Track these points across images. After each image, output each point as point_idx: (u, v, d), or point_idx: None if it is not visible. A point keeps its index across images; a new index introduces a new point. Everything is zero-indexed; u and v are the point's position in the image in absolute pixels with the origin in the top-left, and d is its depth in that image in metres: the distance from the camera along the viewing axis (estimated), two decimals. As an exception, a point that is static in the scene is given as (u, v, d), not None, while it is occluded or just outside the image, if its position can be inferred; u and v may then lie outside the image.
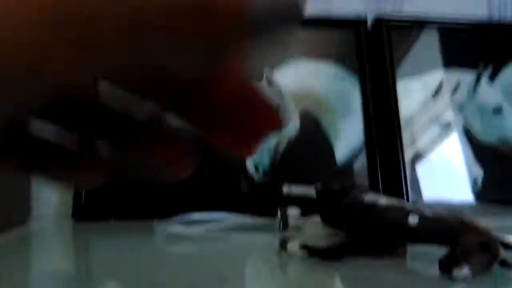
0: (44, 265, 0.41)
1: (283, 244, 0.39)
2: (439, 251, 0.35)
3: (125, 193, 0.61)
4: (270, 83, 0.67)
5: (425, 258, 0.40)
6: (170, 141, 0.15)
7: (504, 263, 0.34)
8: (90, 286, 0.35)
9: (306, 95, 0.68)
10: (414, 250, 0.42)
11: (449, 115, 0.70)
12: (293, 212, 0.45)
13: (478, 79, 0.72)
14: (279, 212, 0.48)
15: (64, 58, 0.12)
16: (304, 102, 0.68)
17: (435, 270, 0.33)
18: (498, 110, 0.72)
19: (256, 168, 0.64)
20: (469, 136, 0.70)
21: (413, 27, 0.73)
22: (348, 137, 0.67)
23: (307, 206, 0.47)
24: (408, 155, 0.67)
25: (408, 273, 0.37)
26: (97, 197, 0.60)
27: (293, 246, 0.39)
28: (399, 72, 0.71)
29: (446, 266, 0.32)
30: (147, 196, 0.61)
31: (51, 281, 0.37)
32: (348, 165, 0.66)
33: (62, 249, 0.48)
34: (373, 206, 0.39)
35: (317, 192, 0.53)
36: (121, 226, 0.55)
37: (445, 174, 0.68)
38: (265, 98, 0.15)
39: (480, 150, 0.69)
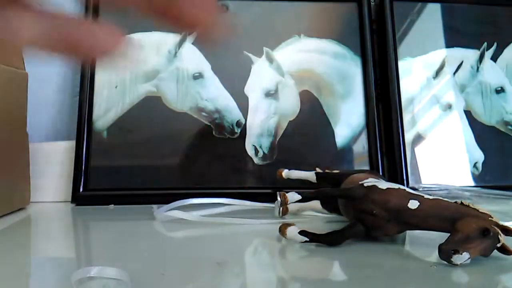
0: (44, 248, 0.41)
1: (282, 229, 0.39)
2: (439, 236, 0.35)
3: (124, 178, 0.61)
4: (271, 60, 0.66)
5: (424, 243, 0.40)
6: None
7: (503, 249, 0.33)
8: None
9: (307, 76, 0.67)
10: (414, 235, 0.42)
11: (450, 96, 0.70)
12: (292, 197, 0.45)
13: (481, 58, 0.71)
14: (278, 197, 0.47)
15: None
16: (305, 83, 0.67)
17: (435, 255, 0.33)
18: (500, 90, 0.71)
19: (256, 149, 0.64)
20: (470, 118, 0.69)
21: (416, 3, 0.71)
22: (348, 119, 0.66)
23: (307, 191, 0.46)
24: (408, 137, 0.67)
25: (408, 258, 0.37)
26: (96, 183, 0.60)
27: (293, 231, 0.39)
28: (401, 52, 0.69)
29: (446, 252, 0.32)
30: (145, 181, 0.61)
31: (50, 264, 0.37)
32: (348, 148, 0.66)
33: (62, 234, 0.48)
34: (373, 190, 0.39)
35: (317, 176, 0.53)
36: (120, 211, 0.55)
37: (445, 158, 0.67)
38: None
39: (481, 132, 0.69)
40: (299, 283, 0.32)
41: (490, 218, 0.34)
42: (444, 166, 0.67)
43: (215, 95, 0.64)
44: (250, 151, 0.64)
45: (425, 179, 0.65)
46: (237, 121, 0.64)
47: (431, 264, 0.33)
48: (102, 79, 0.64)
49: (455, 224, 0.33)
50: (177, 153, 0.63)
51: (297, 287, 0.31)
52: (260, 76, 0.66)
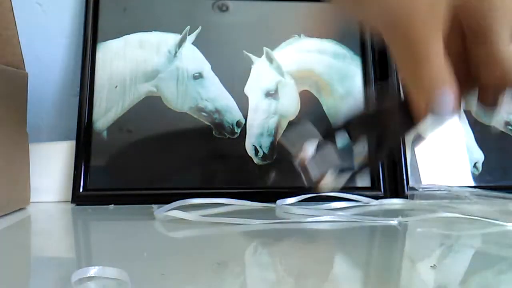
0: (44, 248, 0.41)
1: (315, 186, 0.38)
2: (439, 236, 0.35)
3: (124, 178, 0.61)
4: (271, 60, 0.67)
5: (425, 243, 0.40)
6: None
7: None
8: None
9: (307, 76, 0.67)
10: (414, 235, 0.42)
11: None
12: (310, 147, 0.43)
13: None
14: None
15: None
16: (305, 83, 0.67)
17: (435, 255, 0.33)
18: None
19: (256, 149, 0.64)
20: (470, 118, 0.69)
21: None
22: (348, 119, 0.66)
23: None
24: (408, 137, 0.67)
25: (408, 258, 0.37)
26: (96, 183, 0.60)
27: (326, 182, 0.38)
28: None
29: None
30: (145, 181, 0.61)
31: (50, 264, 0.37)
32: (348, 148, 0.66)
33: (62, 234, 0.48)
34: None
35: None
36: (120, 211, 0.55)
37: (445, 158, 0.67)
38: None
39: (481, 132, 0.69)
40: (299, 283, 0.32)
41: None
42: (444, 166, 0.67)
43: (215, 95, 0.64)
44: (250, 151, 0.64)
45: (425, 179, 0.65)
46: (237, 121, 0.64)
47: (431, 264, 0.34)
48: (102, 79, 0.64)
49: None
50: (177, 153, 0.63)
51: (298, 286, 0.31)
52: (260, 76, 0.66)
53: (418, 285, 0.31)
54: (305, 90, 0.67)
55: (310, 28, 0.69)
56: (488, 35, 0.28)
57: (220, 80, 0.65)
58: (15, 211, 0.55)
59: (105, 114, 0.63)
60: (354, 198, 0.60)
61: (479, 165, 0.68)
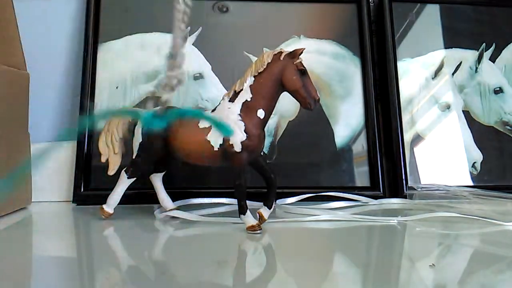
0: (45, 247, 0.42)
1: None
2: (440, 236, 0.35)
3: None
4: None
5: (424, 242, 0.40)
6: None
7: None
8: (90, 269, 0.35)
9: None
10: (413, 234, 0.42)
11: (449, 96, 0.70)
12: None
13: (479, 59, 0.71)
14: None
15: None
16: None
17: (434, 254, 0.33)
18: (499, 91, 0.71)
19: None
20: (469, 118, 0.69)
21: (415, 3, 0.72)
22: (348, 119, 0.67)
23: None
24: (407, 137, 0.67)
25: (406, 257, 0.37)
26: (96, 183, 0.60)
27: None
28: (400, 52, 0.70)
29: None
30: (146, 181, 0.61)
31: (51, 263, 0.37)
32: (348, 148, 0.66)
33: (63, 233, 0.48)
34: None
35: None
36: (121, 211, 0.55)
37: (444, 158, 0.67)
38: None
39: (480, 132, 0.69)
40: (299, 282, 0.32)
41: None
42: (443, 166, 0.67)
43: (215, 95, 0.65)
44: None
45: (424, 179, 0.66)
46: (237, 121, 0.64)
47: (430, 263, 0.34)
48: (103, 79, 0.64)
49: None
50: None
51: (297, 286, 0.31)
52: (260, 76, 0.66)
53: (417, 283, 0.31)
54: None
55: (309, 28, 0.69)
56: None
57: (220, 81, 0.65)
58: (17, 210, 0.56)
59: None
60: (354, 198, 0.60)
61: (478, 165, 0.68)
